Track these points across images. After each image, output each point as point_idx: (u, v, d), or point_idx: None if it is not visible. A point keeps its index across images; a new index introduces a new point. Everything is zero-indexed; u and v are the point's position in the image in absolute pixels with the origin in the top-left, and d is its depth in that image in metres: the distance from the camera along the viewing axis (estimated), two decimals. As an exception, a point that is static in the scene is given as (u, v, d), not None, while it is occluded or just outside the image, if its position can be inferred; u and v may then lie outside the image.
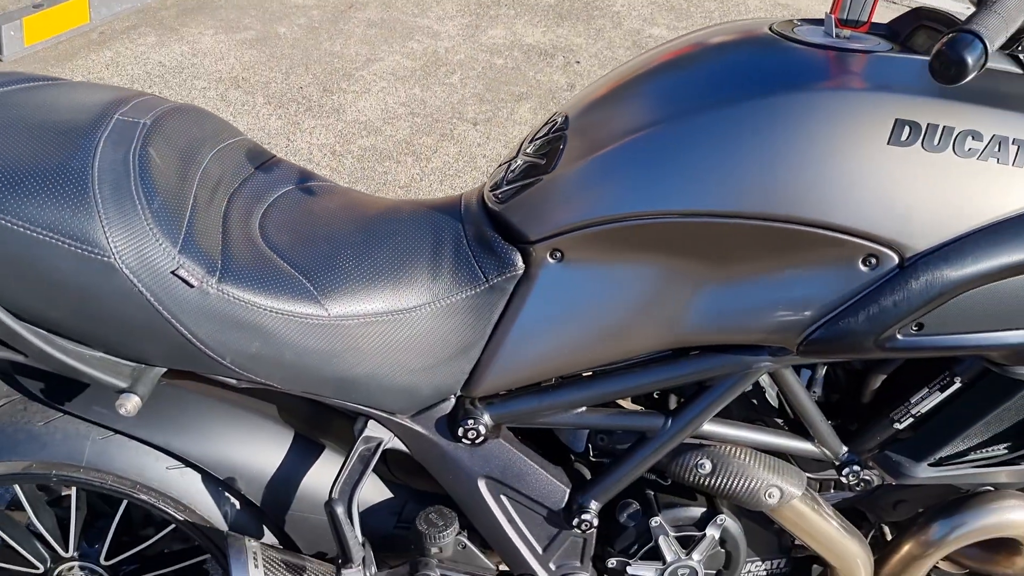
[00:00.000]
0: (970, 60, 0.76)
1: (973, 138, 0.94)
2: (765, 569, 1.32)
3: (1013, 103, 0.96)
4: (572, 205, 1.05)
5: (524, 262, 1.08)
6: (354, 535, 1.12)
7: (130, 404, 1.05)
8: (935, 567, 1.40)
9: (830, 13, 1.06)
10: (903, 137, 0.94)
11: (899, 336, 0.99)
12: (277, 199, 1.18)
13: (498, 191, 1.13)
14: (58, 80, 1.16)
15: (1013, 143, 0.94)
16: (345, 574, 1.12)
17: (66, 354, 1.03)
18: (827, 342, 1.01)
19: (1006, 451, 1.15)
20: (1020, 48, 0.93)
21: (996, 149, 0.94)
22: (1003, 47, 0.95)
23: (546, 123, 1.17)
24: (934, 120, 0.94)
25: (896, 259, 0.97)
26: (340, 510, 1.10)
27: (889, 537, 1.36)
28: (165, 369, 1.10)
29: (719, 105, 1.00)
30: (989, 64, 1.00)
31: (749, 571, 1.32)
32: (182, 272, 0.98)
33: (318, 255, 1.09)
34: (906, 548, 1.25)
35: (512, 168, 1.14)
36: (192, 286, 0.99)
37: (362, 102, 3.19)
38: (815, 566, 1.36)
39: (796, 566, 1.34)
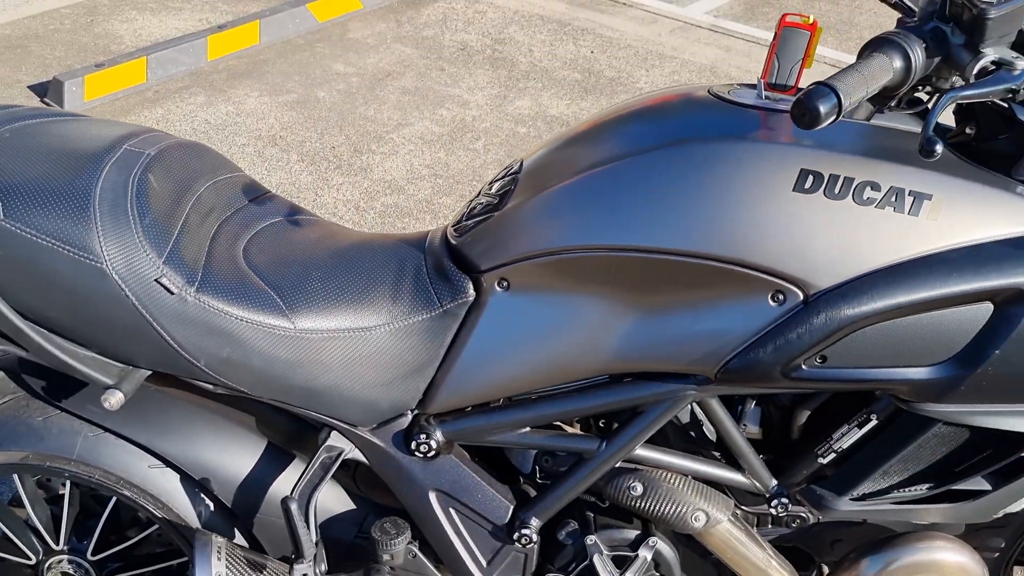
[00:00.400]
0: (823, 109, 0.87)
1: (872, 188, 1.04)
2: (705, 599, 1.38)
3: (911, 158, 1.06)
4: (518, 239, 1.16)
5: (475, 290, 1.20)
6: (307, 533, 1.22)
7: (114, 399, 1.18)
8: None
9: (760, 78, 1.18)
10: (807, 185, 1.05)
11: (804, 367, 1.08)
12: (264, 227, 1.31)
13: (457, 226, 1.25)
14: (82, 116, 1.33)
15: (909, 194, 1.04)
16: (296, 569, 1.21)
17: (62, 351, 1.17)
18: (741, 371, 1.10)
19: (927, 490, 1.21)
20: (896, 104, 1.03)
21: (893, 199, 1.04)
22: (880, 102, 1.05)
23: (505, 168, 1.29)
24: (836, 171, 1.05)
25: (801, 295, 1.06)
26: (295, 507, 1.20)
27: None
28: (150, 372, 1.23)
29: (649, 152, 1.11)
30: (897, 124, 1.11)
31: (689, 600, 1.38)
32: (164, 280, 1.11)
33: (290, 275, 1.21)
34: (839, 582, 1.31)
35: (472, 207, 1.27)
36: (172, 293, 1.12)
37: (389, 163, 3.37)
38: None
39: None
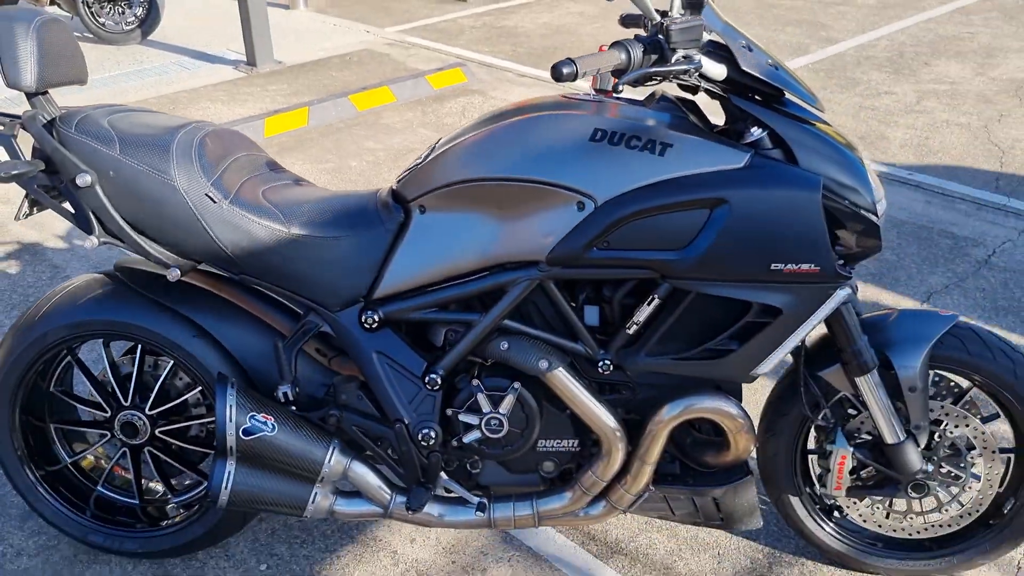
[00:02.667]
0: (565, 71, 1.53)
1: (636, 139, 1.71)
2: (564, 445, 1.97)
3: (664, 125, 1.73)
4: (428, 179, 1.84)
5: (404, 214, 1.87)
6: (288, 369, 1.87)
7: (173, 275, 1.87)
8: (690, 469, 2.01)
9: (591, 84, 1.87)
10: (597, 137, 1.72)
11: (597, 250, 1.72)
12: (277, 183, 2.02)
13: (398, 177, 1.94)
14: (164, 112, 2.07)
15: (659, 143, 1.70)
16: (279, 388, 1.86)
17: (146, 243, 1.87)
18: (561, 256, 1.74)
19: (694, 348, 1.82)
20: (654, 84, 1.69)
21: (649, 145, 1.70)
22: (619, 76, 1.70)
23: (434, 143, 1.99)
24: (615, 129, 1.72)
25: (594, 204, 1.71)
26: (281, 347, 1.86)
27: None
28: (198, 263, 1.92)
29: (509, 122, 1.80)
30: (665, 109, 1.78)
31: (550, 447, 1.97)
32: (211, 194, 1.82)
33: (290, 203, 1.91)
34: (647, 427, 1.89)
35: (408, 165, 1.96)
36: (215, 202, 1.82)
37: (402, 213, 4.12)
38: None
39: (585, 449, 1.98)
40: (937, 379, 1.99)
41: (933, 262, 3.58)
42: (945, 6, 7.55)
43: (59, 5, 6.68)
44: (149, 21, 6.71)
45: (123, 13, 6.65)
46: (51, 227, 3.94)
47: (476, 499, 2.00)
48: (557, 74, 1.53)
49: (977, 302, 3.29)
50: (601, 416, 1.88)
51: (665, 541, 2.29)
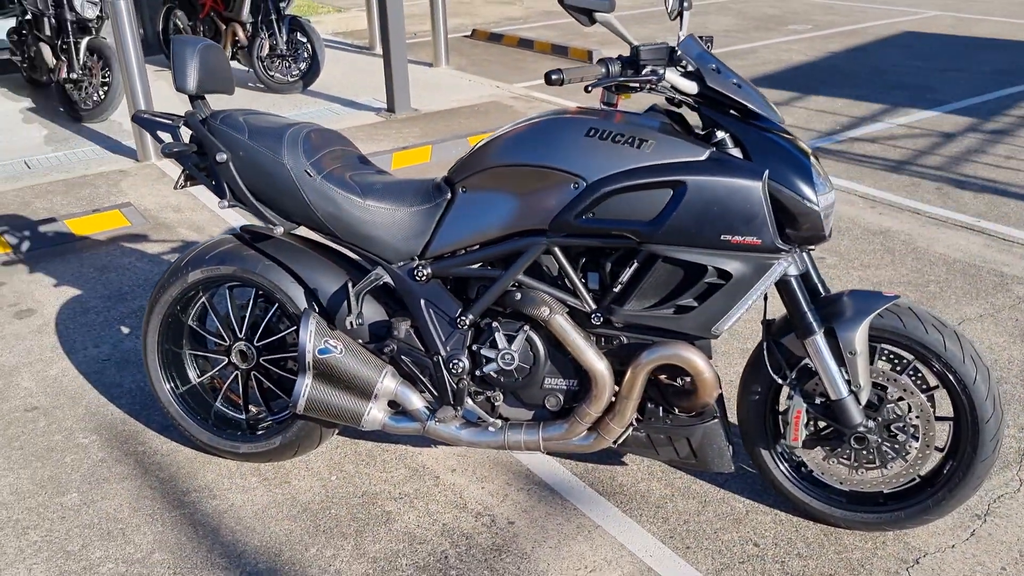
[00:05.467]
0: (553, 77, 2.06)
1: (620, 135, 2.21)
2: (565, 384, 2.45)
3: (643, 125, 2.23)
4: (468, 166, 2.40)
5: (451, 193, 2.44)
6: (356, 305, 2.46)
7: (277, 232, 2.52)
8: (669, 412, 2.44)
9: (600, 100, 2.40)
10: (591, 134, 2.23)
11: (584, 218, 2.22)
12: (361, 170, 2.64)
13: (450, 168, 2.52)
14: (284, 116, 2.74)
15: (639, 139, 2.20)
16: (348, 319, 2.45)
17: (261, 207, 2.52)
18: (560, 223, 2.26)
19: (665, 304, 2.27)
20: (638, 89, 2.20)
21: (631, 140, 2.20)
22: (619, 90, 2.21)
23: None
24: (606, 128, 2.23)
25: (586, 183, 2.23)
26: (352, 292, 2.45)
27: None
28: (297, 226, 2.55)
29: (533, 122, 2.34)
30: (641, 119, 2.29)
31: (554, 384, 2.45)
32: (308, 171, 2.45)
33: (367, 182, 2.52)
34: (629, 371, 2.34)
35: (458, 159, 2.54)
36: (311, 176, 2.45)
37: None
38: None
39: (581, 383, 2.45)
40: (890, 355, 2.35)
41: (975, 295, 3.81)
42: (1067, 73, 7.57)
43: (238, 60, 7.81)
44: (310, 74, 7.72)
45: (289, 67, 7.69)
46: (179, 234, 4.78)
47: (494, 424, 2.50)
48: (549, 79, 2.08)
49: (1007, 329, 3.52)
50: (592, 357, 2.35)
51: (661, 488, 2.69)
